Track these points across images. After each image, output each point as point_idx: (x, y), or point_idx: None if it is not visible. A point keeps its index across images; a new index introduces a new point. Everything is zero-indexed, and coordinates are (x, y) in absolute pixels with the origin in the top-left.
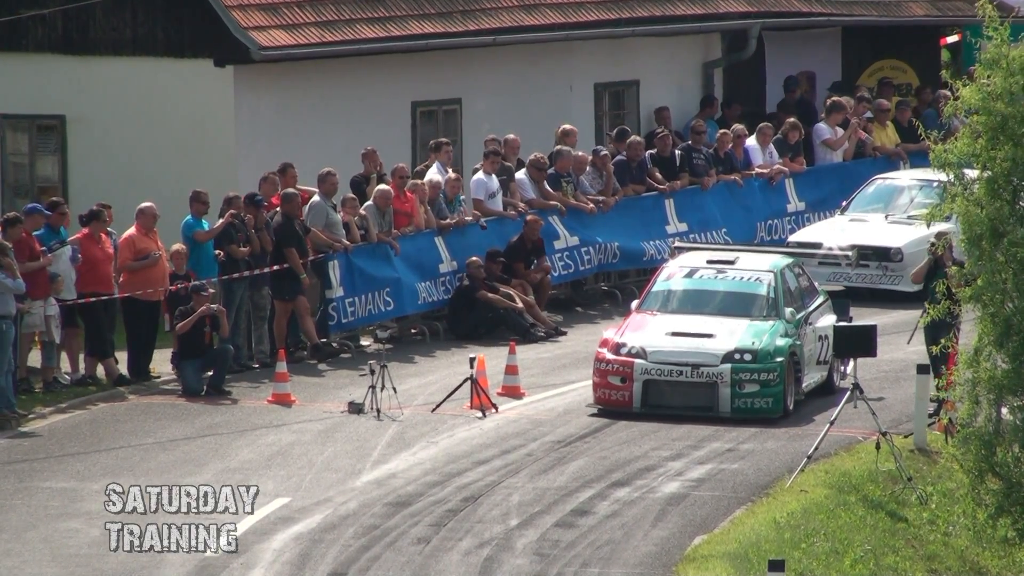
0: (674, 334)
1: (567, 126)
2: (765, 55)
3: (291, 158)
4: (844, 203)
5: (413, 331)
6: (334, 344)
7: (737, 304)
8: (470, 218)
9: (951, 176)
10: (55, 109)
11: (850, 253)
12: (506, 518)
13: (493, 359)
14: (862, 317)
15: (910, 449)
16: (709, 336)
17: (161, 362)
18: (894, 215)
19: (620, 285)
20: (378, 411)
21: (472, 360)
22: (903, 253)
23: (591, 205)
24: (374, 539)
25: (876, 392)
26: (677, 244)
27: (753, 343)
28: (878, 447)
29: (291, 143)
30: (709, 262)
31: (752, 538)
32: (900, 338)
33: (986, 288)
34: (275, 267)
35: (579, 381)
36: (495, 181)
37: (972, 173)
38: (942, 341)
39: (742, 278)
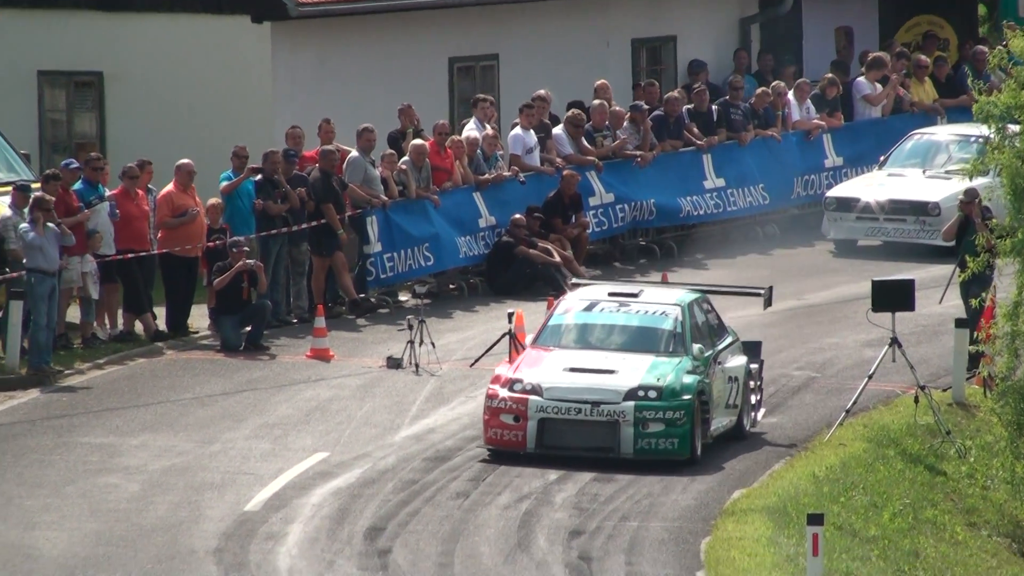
0: (572, 370)
1: (602, 81)
2: (802, 10)
3: (328, 114)
4: (882, 158)
5: (451, 286)
6: (372, 300)
7: (641, 339)
8: (508, 174)
9: (993, 129)
10: (93, 66)
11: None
12: (544, 473)
13: (531, 314)
14: (900, 272)
15: (948, 403)
16: (610, 372)
17: (199, 318)
18: (931, 170)
19: (658, 240)
20: (416, 366)
21: (510, 315)
22: (940, 208)
23: (629, 151)
24: (413, 494)
25: (914, 347)
26: (574, 280)
27: (658, 380)
28: (916, 401)
29: (328, 99)
30: (611, 294)
31: (791, 492)
32: (938, 293)
33: None
34: (313, 223)
35: None
36: (532, 136)
37: (1014, 127)
38: (982, 295)
39: (646, 312)
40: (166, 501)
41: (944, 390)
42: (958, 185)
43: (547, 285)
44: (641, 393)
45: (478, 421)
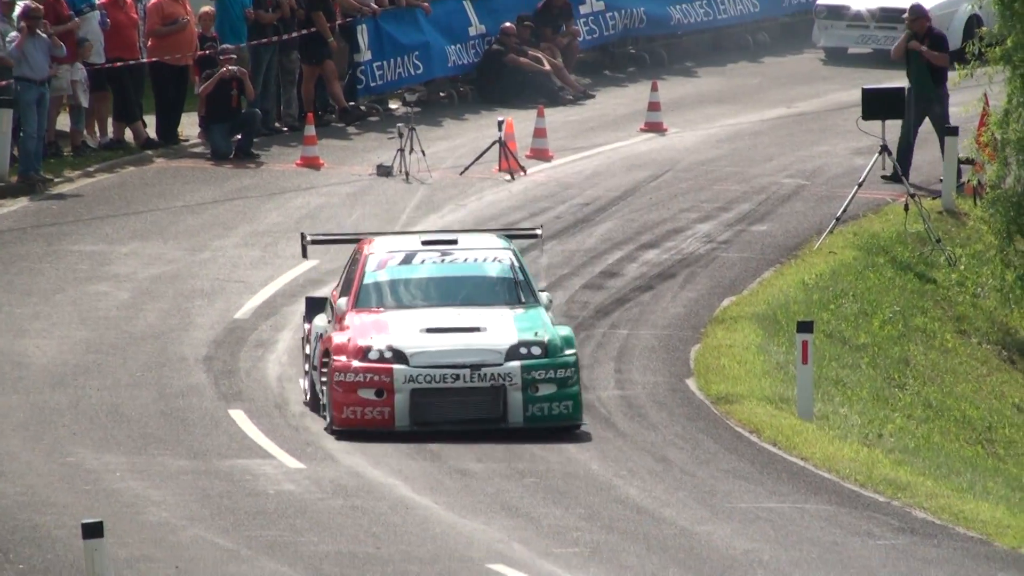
0: (430, 331)
1: None
2: None
3: None
4: None
5: (441, 95)
6: (362, 108)
7: (483, 291)
8: None
9: None
10: None
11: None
12: (535, 280)
13: (521, 122)
14: (890, 80)
15: (938, 211)
16: (476, 330)
17: (189, 126)
18: None
19: (648, 48)
20: (406, 174)
21: (500, 123)
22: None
23: None
24: None
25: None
26: (311, 237)
27: (536, 335)
28: (906, 209)
29: None
30: (425, 243)
31: (780, 300)
32: None
33: (1016, 49)
34: (303, 31)
35: (607, 144)
36: None
37: None
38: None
39: (475, 260)
40: (156, 309)
41: (934, 198)
42: None
43: (537, 93)
44: (524, 351)
45: (471, 228)
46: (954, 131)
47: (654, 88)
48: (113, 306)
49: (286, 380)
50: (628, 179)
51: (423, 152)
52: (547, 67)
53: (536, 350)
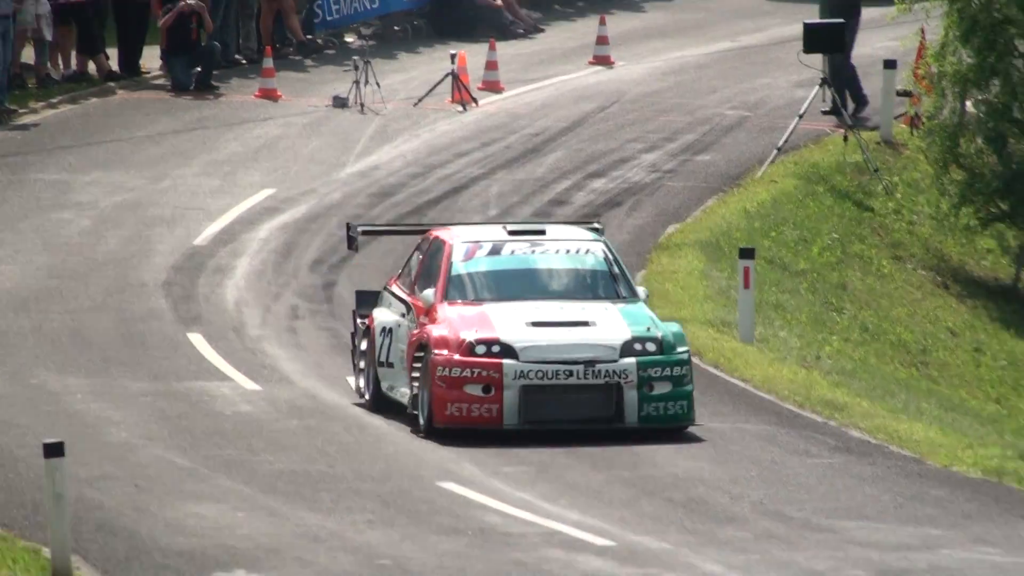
0: (536, 324)
1: None
2: None
3: None
4: None
5: (396, 29)
6: (319, 41)
7: (579, 283)
8: None
9: None
10: None
11: None
12: (485, 208)
13: (474, 55)
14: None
15: (876, 141)
16: (586, 324)
17: (151, 59)
18: None
19: None
20: (362, 105)
21: (453, 56)
22: None
23: None
24: None
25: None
26: (362, 228)
27: (649, 329)
28: (846, 139)
29: None
30: (513, 232)
31: (723, 227)
32: (868, 35)
33: None
34: None
35: (556, 76)
36: None
37: None
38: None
39: (568, 251)
40: (117, 236)
41: (873, 129)
42: None
43: (489, 27)
44: (638, 347)
45: (422, 158)
46: (892, 64)
47: (602, 22)
48: (75, 233)
49: (243, 305)
50: (576, 111)
51: (378, 84)
52: (499, 2)
53: (651, 346)
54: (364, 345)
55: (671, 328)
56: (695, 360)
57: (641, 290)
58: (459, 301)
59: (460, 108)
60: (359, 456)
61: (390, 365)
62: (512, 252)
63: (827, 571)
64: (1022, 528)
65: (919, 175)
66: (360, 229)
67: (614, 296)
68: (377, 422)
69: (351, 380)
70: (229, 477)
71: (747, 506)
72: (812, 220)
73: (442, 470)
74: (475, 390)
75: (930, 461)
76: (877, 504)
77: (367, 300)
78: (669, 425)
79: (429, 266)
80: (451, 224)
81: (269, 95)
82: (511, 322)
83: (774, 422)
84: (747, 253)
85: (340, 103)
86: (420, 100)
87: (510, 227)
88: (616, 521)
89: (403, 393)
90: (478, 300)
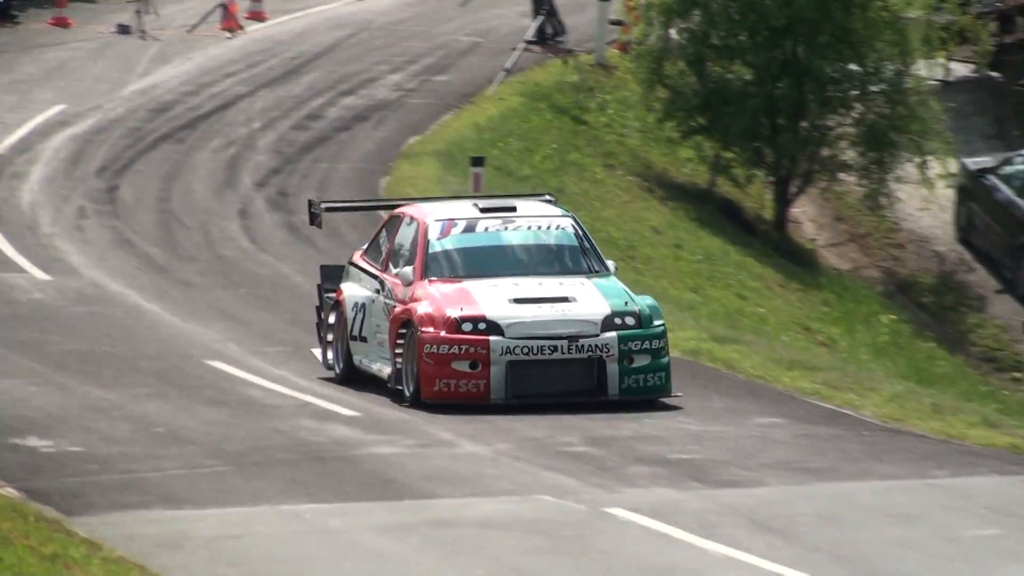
0: (519, 301)
1: None
2: None
3: None
4: None
5: None
6: None
7: (554, 259)
8: None
9: None
10: None
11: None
12: (250, 122)
13: None
14: None
15: (591, 64)
16: (566, 300)
17: None
18: None
19: None
20: (143, 32)
21: None
22: None
23: None
24: (138, 139)
25: (565, 18)
26: (324, 204)
27: (626, 304)
28: (565, 62)
29: None
30: (484, 210)
31: (457, 138)
32: None
33: None
34: None
35: (314, 7)
36: None
37: None
38: None
39: (540, 227)
40: None
41: (589, 53)
42: None
43: None
44: (618, 321)
45: (195, 79)
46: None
47: None
48: None
49: (37, 206)
50: (330, 37)
51: (157, 13)
52: None
53: (630, 320)
54: (333, 319)
55: (646, 301)
56: None
57: (610, 263)
58: (438, 279)
59: (229, 35)
60: (137, 338)
61: (363, 339)
62: (486, 229)
63: (544, 437)
64: (715, 401)
65: (628, 93)
66: (323, 205)
67: (587, 270)
68: (155, 308)
69: (316, 352)
70: (24, 357)
71: None
72: (535, 133)
73: (210, 350)
74: (462, 366)
75: None
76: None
77: (332, 274)
78: (648, 396)
79: (402, 244)
80: (416, 200)
81: (61, 23)
82: (494, 299)
83: None
84: (477, 161)
85: (124, 30)
86: (194, 27)
87: (481, 204)
88: (362, 397)
89: (378, 368)
90: (457, 277)
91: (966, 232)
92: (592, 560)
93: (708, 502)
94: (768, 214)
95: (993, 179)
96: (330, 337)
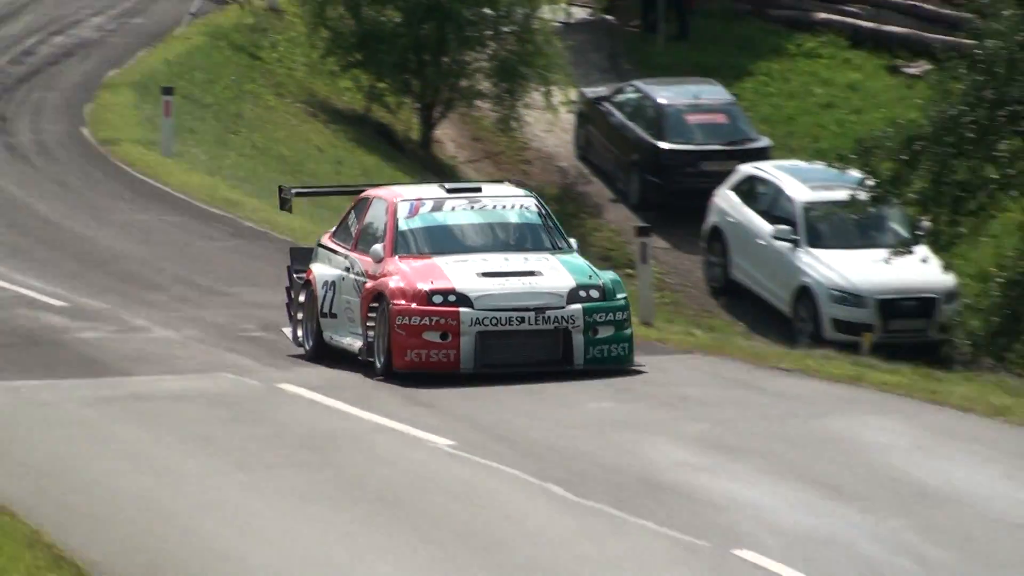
0: (487, 275)
1: None
2: None
3: None
4: None
5: None
6: None
7: (518, 236)
8: None
9: None
10: None
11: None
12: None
13: None
14: None
15: (265, 9)
16: (532, 274)
17: None
18: None
19: None
20: None
21: None
22: None
23: None
24: None
25: None
26: (295, 190)
27: (591, 277)
28: (242, 7)
29: None
30: (450, 191)
31: (150, 72)
32: None
33: None
34: None
35: None
36: None
37: None
38: None
39: (504, 206)
40: None
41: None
42: None
43: None
44: (583, 294)
45: None
46: None
47: None
48: None
49: None
50: None
51: None
52: None
53: (595, 293)
54: (303, 298)
55: (609, 276)
56: (128, 170)
57: (572, 241)
58: (407, 255)
59: None
60: None
61: (333, 316)
62: (453, 208)
63: (226, 323)
64: None
65: (296, 34)
66: (293, 191)
67: (551, 247)
68: None
69: (287, 331)
70: None
71: (167, 277)
72: (216, 67)
73: None
74: (433, 336)
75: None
76: (263, 275)
77: (301, 256)
78: (612, 366)
79: (372, 224)
80: (384, 184)
81: None
82: (463, 273)
83: (187, 215)
84: (167, 91)
85: None
86: None
87: (447, 185)
88: (70, 288)
89: (348, 342)
90: (426, 254)
91: (585, 151)
92: (267, 428)
93: (365, 382)
94: (416, 136)
95: (608, 106)
96: (300, 316)
